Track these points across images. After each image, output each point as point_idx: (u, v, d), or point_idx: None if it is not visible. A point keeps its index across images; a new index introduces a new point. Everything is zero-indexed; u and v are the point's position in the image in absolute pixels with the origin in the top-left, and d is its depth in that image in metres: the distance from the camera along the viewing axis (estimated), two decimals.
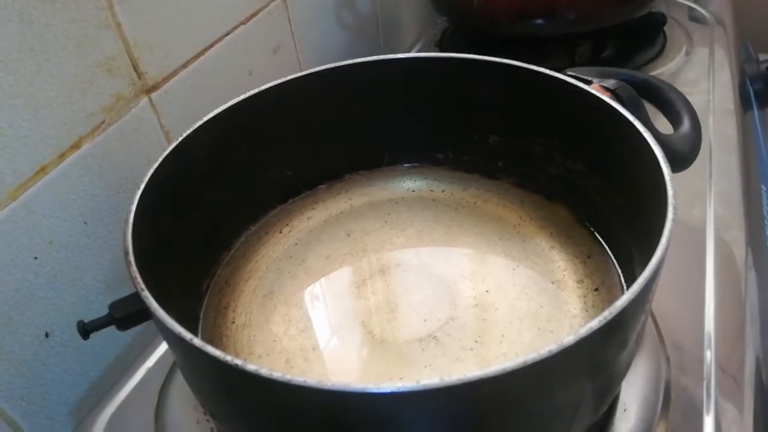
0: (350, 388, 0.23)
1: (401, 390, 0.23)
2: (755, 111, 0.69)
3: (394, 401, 0.23)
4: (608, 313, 0.25)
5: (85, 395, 0.45)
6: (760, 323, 0.48)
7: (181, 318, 0.37)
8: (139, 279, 0.28)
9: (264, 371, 0.23)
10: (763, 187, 0.61)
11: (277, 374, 0.23)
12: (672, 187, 0.31)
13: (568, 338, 0.24)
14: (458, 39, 0.81)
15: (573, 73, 0.42)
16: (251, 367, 0.24)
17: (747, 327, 0.46)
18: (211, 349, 0.24)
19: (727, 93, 0.67)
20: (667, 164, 0.33)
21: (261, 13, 0.58)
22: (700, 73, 0.69)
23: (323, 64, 0.46)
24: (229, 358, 0.24)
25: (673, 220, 0.29)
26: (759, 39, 0.87)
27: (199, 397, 0.33)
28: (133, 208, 0.33)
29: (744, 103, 0.69)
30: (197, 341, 0.25)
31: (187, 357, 0.28)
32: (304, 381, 0.23)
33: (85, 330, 0.32)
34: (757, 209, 0.59)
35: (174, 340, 0.26)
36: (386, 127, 0.49)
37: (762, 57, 0.81)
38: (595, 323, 0.25)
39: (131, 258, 0.30)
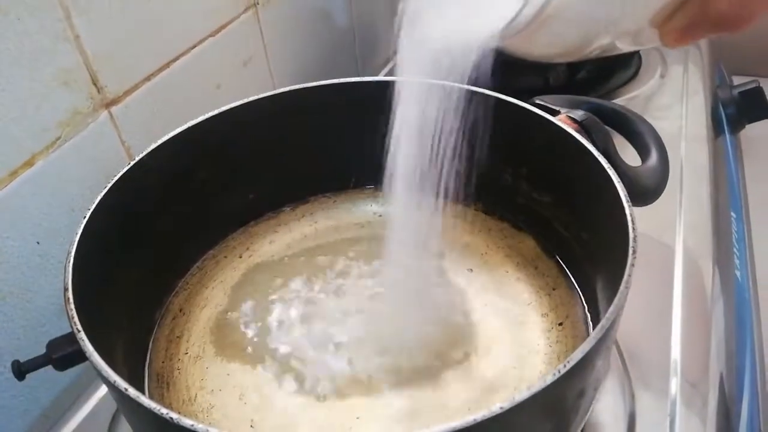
0: None
1: None
2: (727, 136, 0.69)
3: None
4: (562, 366, 0.24)
5: (35, 422, 0.43)
6: (725, 347, 0.47)
7: (130, 348, 0.37)
8: (76, 319, 0.27)
9: (200, 427, 0.22)
10: (732, 214, 0.61)
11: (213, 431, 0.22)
12: (634, 229, 0.31)
13: (520, 394, 0.23)
14: None
15: (542, 102, 0.42)
16: (187, 422, 0.22)
17: (713, 355, 0.45)
18: (145, 401, 0.23)
19: (700, 119, 0.67)
20: (630, 203, 0.32)
21: (231, 25, 0.56)
22: (674, 98, 0.69)
23: (296, 78, 0.45)
24: (164, 411, 0.23)
25: (633, 265, 0.29)
26: (733, 61, 0.88)
27: None
28: (77, 238, 0.31)
29: (716, 127, 0.69)
30: (132, 392, 0.23)
31: (125, 406, 0.27)
32: None
33: (21, 371, 0.30)
34: (727, 236, 0.58)
35: (111, 387, 0.25)
36: (354, 148, 0.48)
37: (735, 79, 0.81)
38: (549, 378, 0.24)
39: (70, 295, 0.28)
